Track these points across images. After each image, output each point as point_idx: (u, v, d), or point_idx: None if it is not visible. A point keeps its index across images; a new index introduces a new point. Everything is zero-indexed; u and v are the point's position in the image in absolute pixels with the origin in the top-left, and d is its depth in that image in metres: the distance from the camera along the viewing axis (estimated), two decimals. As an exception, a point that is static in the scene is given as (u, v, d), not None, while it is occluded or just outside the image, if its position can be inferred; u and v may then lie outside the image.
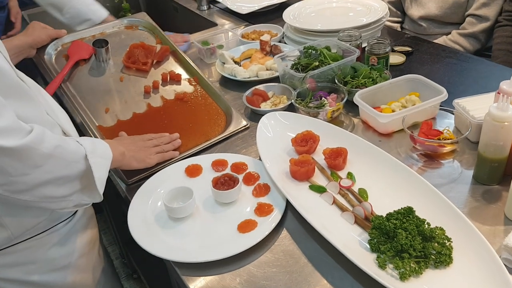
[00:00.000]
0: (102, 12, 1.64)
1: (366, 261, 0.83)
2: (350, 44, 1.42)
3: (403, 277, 0.80)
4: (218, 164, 1.13)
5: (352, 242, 0.89)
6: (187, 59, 1.46)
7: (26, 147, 0.79)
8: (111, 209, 1.87)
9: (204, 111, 1.32)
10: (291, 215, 0.99)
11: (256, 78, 1.46)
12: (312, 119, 1.19)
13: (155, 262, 1.77)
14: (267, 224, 0.95)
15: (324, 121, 1.18)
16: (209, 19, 2.07)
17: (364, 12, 1.65)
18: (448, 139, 1.10)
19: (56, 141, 0.85)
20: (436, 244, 0.84)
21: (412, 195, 0.95)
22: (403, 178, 0.99)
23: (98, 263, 1.17)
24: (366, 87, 1.27)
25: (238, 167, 1.11)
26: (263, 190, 1.04)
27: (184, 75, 1.44)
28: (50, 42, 1.47)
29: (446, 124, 1.18)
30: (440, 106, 1.20)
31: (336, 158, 1.05)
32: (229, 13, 2.07)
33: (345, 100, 1.23)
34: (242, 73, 1.46)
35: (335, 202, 0.98)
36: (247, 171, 1.10)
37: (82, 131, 1.27)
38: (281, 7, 1.80)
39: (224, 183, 1.03)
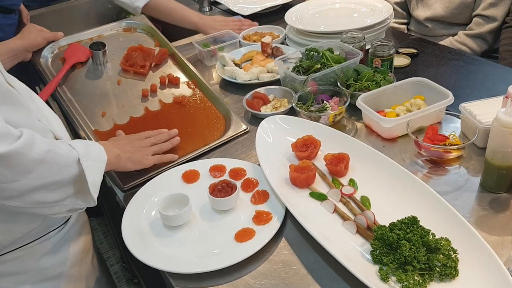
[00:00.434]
0: None
1: (368, 273, 0.80)
2: (353, 46, 1.38)
3: (406, 290, 0.76)
4: (216, 170, 1.10)
5: (353, 253, 0.85)
6: (186, 62, 1.43)
7: (15, 152, 0.77)
8: (111, 213, 1.85)
9: (203, 115, 1.29)
10: (290, 223, 0.96)
11: (256, 81, 1.42)
12: (313, 123, 1.15)
13: (152, 268, 1.74)
14: (265, 233, 0.92)
15: (325, 126, 1.14)
16: (211, 20, 2.04)
17: (369, 13, 1.61)
18: (454, 145, 1.06)
19: (47, 146, 0.82)
20: (441, 256, 0.80)
21: (417, 203, 0.91)
22: (407, 186, 0.95)
23: (91, 272, 1.14)
24: (370, 90, 1.23)
25: (237, 173, 1.08)
26: (261, 197, 1.01)
27: (183, 78, 1.41)
28: (47, 45, 1.45)
29: (452, 129, 1.15)
30: (446, 110, 1.16)
31: (338, 164, 1.02)
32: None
33: (347, 103, 1.20)
34: (243, 76, 1.43)
35: (336, 210, 0.94)
36: (246, 177, 1.06)
37: (78, 135, 1.25)
38: (284, 9, 1.77)
39: (221, 190, 1.00)
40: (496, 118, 0.86)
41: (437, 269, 0.79)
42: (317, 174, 1.03)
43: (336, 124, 1.21)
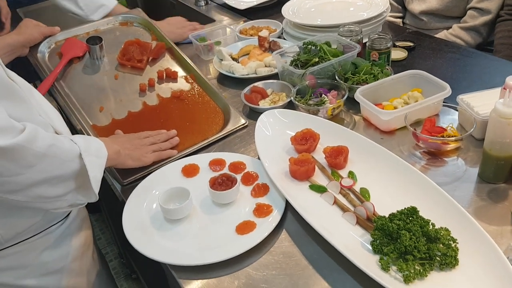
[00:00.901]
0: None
1: (368, 263, 0.80)
2: (350, 40, 1.38)
3: (407, 279, 0.77)
4: (215, 164, 1.10)
5: (353, 244, 0.86)
6: (184, 56, 1.43)
7: (18, 146, 0.77)
8: (109, 209, 1.84)
9: (201, 109, 1.29)
10: (291, 216, 0.96)
11: (254, 75, 1.43)
12: (312, 116, 1.15)
13: (153, 262, 1.74)
14: (266, 225, 0.92)
15: (324, 119, 1.15)
16: (206, 15, 2.04)
17: (365, 6, 1.61)
18: (452, 136, 1.07)
19: (49, 140, 0.83)
20: (441, 246, 0.81)
21: (416, 194, 0.92)
22: (406, 177, 0.96)
23: (92, 266, 1.14)
24: (367, 83, 1.24)
25: (236, 166, 1.08)
26: (262, 190, 1.01)
27: (181, 73, 1.41)
28: (43, 40, 1.44)
29: (450, 120, 1.15)
30: (444, 102, 1.17)
31: (337, 156, 1.02)
32: (227, 8, 2.04)
33: (345, 97, 1.20)
34: (240, 70, 1.43)
35: (336, 202, 0.95)
36: (246, 170, 1.07)
37: (76, 130, 1.24)
38: (280, 2, 1.77)
39: (221, 183, 1.00)
40: (494, 109, 0.87)
41: (437, 258, 0.80)
42: (316, 167, 1.04)
43: (334, 118, 1.22)
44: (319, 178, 1.02)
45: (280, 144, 1.10)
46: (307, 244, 0.90)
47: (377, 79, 1.25)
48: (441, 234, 0.82)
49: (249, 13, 1.93)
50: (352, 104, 1.25)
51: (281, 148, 1.10)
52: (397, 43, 1.55)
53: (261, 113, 1.17)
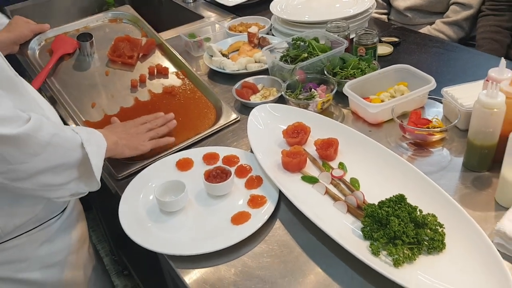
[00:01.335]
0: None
1: (359, 248, 0.84)
2: (338, 35, 1.42)
3: (396, 263, 0.81)
4: (209, 158, 1.12)
5: (345, 231, 0.89)
6: (174, 52, 1.44)
7: (24, 135, 0.80)
8: (101, 206, 1.85)
9: (193, 104, 1.31)
10: (284, 206, 0.99)
11: (245, 71, 1.45)
12: (302, 110, 1.18)
13: (146, 257, 1.76)
14: (260, 216, 0.95)
15: (314, 113, 1.18)
16: (195, 11, 2.06)
17: (351, 3, 1.64)
18: (437, 128, 1.11)
19: (53, 129, 0.86)
20: (428, 231, 0.85)
21: (403, 183, 0.95)
22: (394, 167, 0.99)
23: (88, 260, 1.16)
24: (355, 77, 1.27)
25: (230, 160, 1.10)
26: (255, 182, 1.04)
27: (172, 69, 1.42)
28: (33, 37, 1.44)
29: (435, 112, 1.19)
30: (429, 95, 1.21)
31: (328, 148, 1.06)
32: (215, 5, 2.05)
33: (334, 91, 1.24)
34: (231, 66, 1.45)
35: (327, 192, 0.98)
36: (239, 163, 1.09)
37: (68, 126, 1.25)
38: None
39: (216, 176, 1.02)
40: (478, 100, 0.91)
41: (425, 243, 0.83)
42: (308, 159, 1.07)
43: (324, 111, 1.25)
44: (311, 169, 1.05)
45: (272, 138, 1.13)
46: (300, 233, 0.93)
47: (365, 74, 1.28)
48: (428, 219, 0.85)
49: (238, 10, 1.95)
50: (341, 98, 1.28)
51: (273, 141, 1.13)
52: (383, 39, 1.59)
53: (253, 108, 1.20)
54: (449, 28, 1.83)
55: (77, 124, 1.24)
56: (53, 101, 1.31)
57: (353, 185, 0.99)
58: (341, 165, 1.04)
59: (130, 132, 1.13)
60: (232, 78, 1.44)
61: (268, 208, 0.96)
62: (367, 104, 1.17)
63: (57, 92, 1.31)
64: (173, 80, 1.39)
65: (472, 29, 1.85)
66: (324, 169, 1.04)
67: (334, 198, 0.97)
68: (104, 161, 0.95)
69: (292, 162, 1.03)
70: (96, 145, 0.94)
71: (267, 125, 1.16)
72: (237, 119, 1.25)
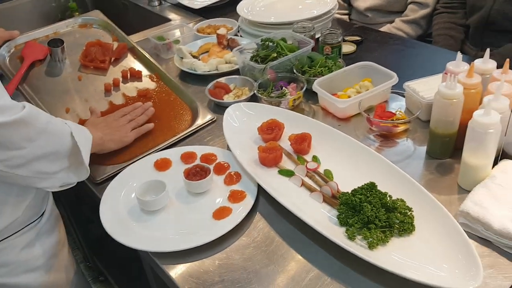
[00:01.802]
0: None
1: (336, 234, 0.89)
2: (304, 35, 1.48)
3: (371, 246, 0.87)
4: (187, 157, 1.15)
5: (322, 219, 0.95)
6: (147, 55, 1.46)
7: (22, 121, 0.84)
8: (72, 213, 1.83)
9: (169, 106, 1.33)
10: (263, 199, 1.03)
11: (216, 72, 1.48)
12: (275, 108, 1.23)
13: (124, 261, 1.77)
14: (241, 210, 0.98)
15: (287, 109, 1.23)
16: (161, 14, 2.08)
17: (314, 4, 1.71)
18: (401, 120, 1.18)
19: (47, 117, 0.91)
20: (398, 214, 0.91)
21: (373, 172, 1.01)
22: (364, 157, 1.05)
23: (69, 263, 1.17)
24: (323, 75, 1.33)
25: (208, 158, 1.14)
26: (234, 178, 1.07)
27: (145, 72, 1.44)
28: (3, 44, 1.43)
29: (398, 106, 1.27)
30: (392, 89, 1.29)
31: (301, 143, 1.11)
32: (181, 8, 2.08)
33: (304, 88, 1.29)
34: (202, 67, 1.48)
35: (303, 184, 1.03)
36: (217, 161, 1.13)
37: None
38: (234, 1, 1.83)
39: (195, 173, 1.05)
40: (438, 92, 0.98)
41: (396, 226, 0.90)
42: (283, 154, 1.12)
43: (295, 108, 1.30)
44: (287, 163, 1.10)
45: (248, 135, 1.17)
46: (280, 223, 0.98)
47: (332, 71, 1.35)
48: (398, 204, 0.92)
49: (204, 12, 1.98)
50: (310, 95, 1.34)
51: (249, 138, 1.17)
52: (346, 38, 1.66)
53: (226, 107, 1.24)
54: (407, 26, 1.93)
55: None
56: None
57: (327, 176, 1.05)
58: (315, 158, 1.10)
59: (112, 126, 1.17)
60: (203, 79, 1.47)
61: (248, 202, 1.00)
62: (336, 100, 1.23)
63: (30, 99, 1.30)
64: (147, 83, 1.41)
65: (429, 27, 1.96)
66: (299, 163, 1.09)
67: (310, 189, 1.02)
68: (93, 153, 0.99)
69: (269, 157, 1.07)
70: (84, 137, 0.98)
71: (242, 123, 1.21)
72: (213, 119, 1.28)
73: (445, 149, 1.07)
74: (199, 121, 1.26)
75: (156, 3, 2.16)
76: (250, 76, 1.40)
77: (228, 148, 1.14)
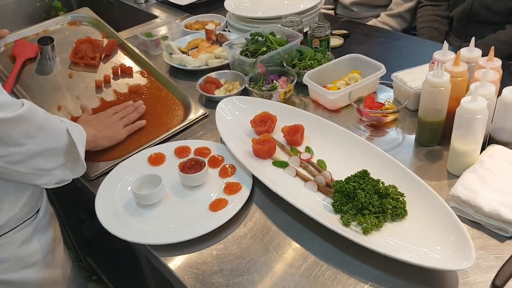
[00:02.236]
0: None
1: (331, 221, 0.91)
2: (293, 29, 1.49)
3: (366, 231, 0.89)
4: (181, 151, 1.16)
5: (317, 207, 0.97)
6: (137, 51, 1.47)
7: (21, 117, 0.85)
8: (64, 214, 1.83)
9: (160, 102, 1.34)
10: (258, 191, 1.05)
11: (206, 67, 1.49)
12: (267, 101, 1.25)
13: (117, 258, 1.77)
14: (237, 201, 1.00)
15: (278, 102, 1.25)
16: (147, 11, 2.08)
17: (299, -1, 1.73)
18: (390, 109, 1.21)
19: (45, 114, 0.92)
20: (391, 200, 0.93)
21: (365, 160, 1.04)
22: (356, 146, 1.08)
23: (65, 260, 1.18)
24: (313, 68, 1.35)
25: (202, 152, 1.15)
26: (229, 171, 1.08)
27: (136, 68, 1.44)
28: (-8, 43, 1.42)
29: (387, 96, 1.30)
30: (380, 80, 1.31)
31: (294, 134, 1.13)
32: (167, 5, 2.08)
33: (295, 81, 1.31)
34: (192, 63, 1.49)
35: (297, 174, 1.05)
36: (211, 155, 1.14)
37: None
38: (220, -3, 1.84)
39: (190, 167, 1.06)
40: (426, 81, 1.01)
41: (389, 211, 0.92)
42: (276, 146, 1.13)
43: (286, 101, 1.32)
44: (280, 155, 1.12)
45: (241, 128, 1.19)
46: (276, 213, 1.00)
47: (321, 64, 1.37)
48: (390, 190, 0.94)
49: (191, 8, 1.98)
50: (301, 88, 1.36)
51: (242, 131, 1.18)
52: (333, 32, 1.68)
53: (218, 101, 1.25)
54: (392, 20, 1.96)
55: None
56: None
57: (321, 166, 1.07)
58: (308, 149, 1.12)
59: (104, 123, 1.18)
60: (193, 74, 1.48)
61: (243, 194, 1.01)
62: (327, 92, 1.25)
63: (22, 97, 1.30)
64: (138, 79, 1.41)
65: (413, 20, 2.00)
66: (292, 154, 1.11)
67: (304, 179, 1.04)
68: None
69: (263, 149, 1.09)
70: (79, 134, 1.00)
71: (235, 117, 1.22)
72: (205, 114, 1.29)
73: (434, 137, 1.10)
74: (192, 116, 1.27)
75: (142, 0, 2.15)
76: (240, 71, 1.41)
77: (222, 142, 1.15)
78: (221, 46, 1.56)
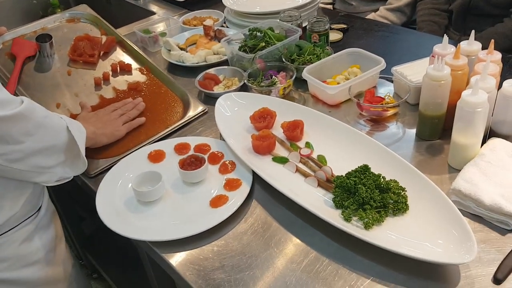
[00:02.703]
0: None
1: (332, 217, 0.91)
2: (291, 24, 1.49)
3: (367, 226, 0.89)
4: (181, 148, 1.15)
5: (318, 202, 0.96)
6: (136, 48, 1.46)
7: (20, 115, 0.85)
8: (64, 211, 1.83)
9: (160, 99, 1.33)
10: (258, 187, 1.05)
11: (204, 63, 1.49)
12: (266, 96, 1.25)
13: (118, 256, 1.77)
14: (238, 197, 1.00)
15: (278, 98, 1.24)
16: (144, 8, 2.07)
17: (299, -7, 1.72)
18: (391, 104, 1.21)
19: (44, 112, 0.92)
20: (392, 195, 0.93)
21: (366, 155, 1.03)
22: (356, 141, 1.08)
23: (67, 258, 1.18)
24: (312, 63, 1.34)
25: (201, 148, 1.14)
26: (229, 167, 1.08)
27: (135, 65, 1.44)
28: (-10, 42, 1.42)
29: (387, 90, 1.29)
30: (380, 74, 1.31)
31: (294, 130, 1.12)
32: (165, 1, 2.07)
33: (294, 77, 1.30)
34: (190, 59, 1.48)
35: (298, 170, 1.05)
36: (211, 151, 1.13)
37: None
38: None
39: (190, 163, 1.06)
40: (426, 74, 1.00)
41: (391, 205, 0.92)
42: (276, 141, 1.13)
43: (286, 97, 1.32)
44: (280, 150, 1.11)
45: (240, 124, 1.18)
46: (276, 209, 0.99)
47: (320, 59, 1.36)
48: (391, 185, 0.94)
49: (188, 4, 1.97)
50: (300, 84, 1.35)
51: (242, 127, 1.18)
52: (332, 26, 1.68)
53: (217, 98, 1.24)
54: (392, 14, 1.96)
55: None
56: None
57: (321, 161, 1.06)
58: (308, 144, 1.12)
59: (104, 120, 1.17)
60: (191, 71, 1.47)
61: (244, 190, 1.01)
62: (326, 86, 1.24)
63: (21, 95, 1.29)
64: (137, 76, 1.41)
65: (413, 14, 1.99)
66: (292, 149, 1.11)
67: (305, 175, 1.04)
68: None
69: (262, 145, 1.09)
70: (79, 131, 1.00)
71: (234, 113, 1.22)
72: (205, 110, 1.29)
73: (434, 131, 1.10)
74: (191, 113, 1.26)
75: (140, -4, 2.14)
76: (239, 66, 1.41)
77: (221, 138, 1.15)
78: (219, 42, 1.56)
